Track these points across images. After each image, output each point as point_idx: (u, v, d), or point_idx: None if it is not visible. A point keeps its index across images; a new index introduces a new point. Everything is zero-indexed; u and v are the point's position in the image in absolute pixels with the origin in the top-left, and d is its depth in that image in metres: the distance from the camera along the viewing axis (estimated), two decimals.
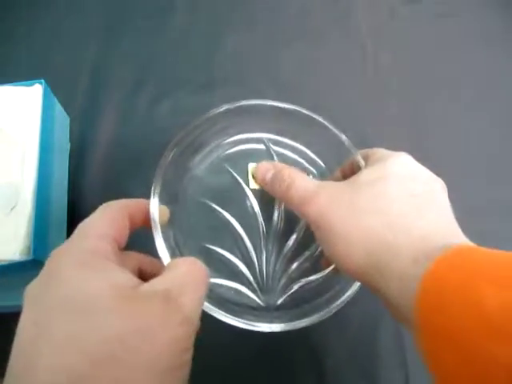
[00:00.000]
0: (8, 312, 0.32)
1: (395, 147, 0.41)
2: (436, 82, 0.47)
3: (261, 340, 0.33)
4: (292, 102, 0.45)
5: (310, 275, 0.28)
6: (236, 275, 0.28)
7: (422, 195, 0.22)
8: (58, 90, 0.37)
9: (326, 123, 0.29)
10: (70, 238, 0.19)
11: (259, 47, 0.49)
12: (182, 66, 0.47)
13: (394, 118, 0.44)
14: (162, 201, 0.25)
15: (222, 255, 0.28)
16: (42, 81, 0.35)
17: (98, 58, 0.47)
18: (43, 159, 0.31)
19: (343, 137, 0.29)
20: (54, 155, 0.35)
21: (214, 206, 0.29)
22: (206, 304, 0.23)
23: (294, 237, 0.29)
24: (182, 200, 0.29)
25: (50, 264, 0.18)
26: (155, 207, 0.24)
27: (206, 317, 0.22)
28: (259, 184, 0.27)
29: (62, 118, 0.39)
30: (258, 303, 0.27)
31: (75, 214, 0.37)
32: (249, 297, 0.27)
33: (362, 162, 0.27)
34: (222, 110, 0.29)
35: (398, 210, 0.21)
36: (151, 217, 0.24)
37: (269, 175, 0.26)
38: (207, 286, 0.20)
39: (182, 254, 0.26)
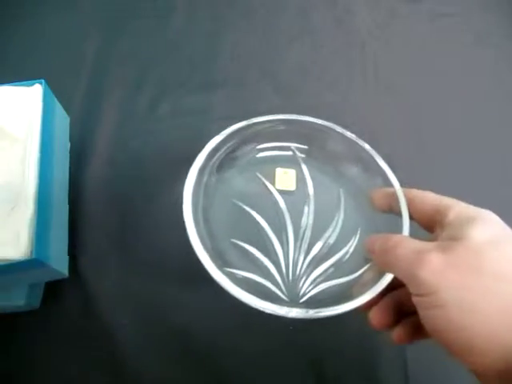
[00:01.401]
0: (8, 312, 0.32)
1: (394, 147, 0.41)
2: (436, 81, 0.47)
3: (261, 340, 0.33)
4: (292, 102, 0.45)
5: (334, 279, 0.29)
6: (262, 271, 0.29)
7: None
8: (58, 89, 0.37)
9: (360, 143, 0.31)
10: None
11: (259, 47, 0.49)
12: (181, 66, 0.47)
13: (393, 117, 0.44)
14: (194, 199, 0.27)
15: (249, 251, 0.29)
16: (42, 81, 0.35)
17: (98, 58, 0.47)
18: (44, 159, 0.31)
19: (380, 160, 0.30)
20: (55, 155, 0.35)
21: (243, 206, 0.31)
22: (233, 285, 0.24)
23: (320, 243, 0.30)
24: (213, 199, 0.30)
25: None
26: (188, 204, 0.26)
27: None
28: (370, 254, 0.26)
29: (62, 118, 0.39)
30: (283, 298, 0.28)
31: (76, 214, 0.37)
32: (273, 292, 0.28)
33: (406, 211, 0.27)
34: (254, 121, 0.31)
35: None
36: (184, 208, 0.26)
37: (377, 243, 0.24)
38: None
39: (213, 247, 0.27)
